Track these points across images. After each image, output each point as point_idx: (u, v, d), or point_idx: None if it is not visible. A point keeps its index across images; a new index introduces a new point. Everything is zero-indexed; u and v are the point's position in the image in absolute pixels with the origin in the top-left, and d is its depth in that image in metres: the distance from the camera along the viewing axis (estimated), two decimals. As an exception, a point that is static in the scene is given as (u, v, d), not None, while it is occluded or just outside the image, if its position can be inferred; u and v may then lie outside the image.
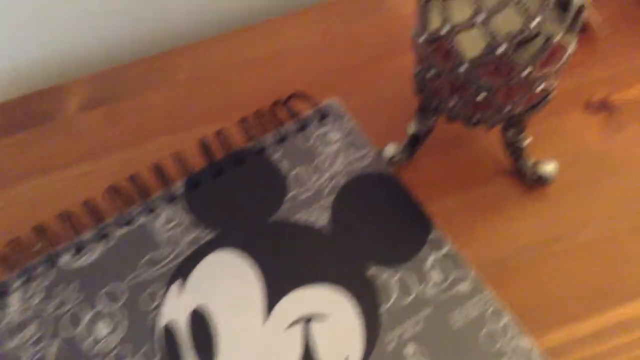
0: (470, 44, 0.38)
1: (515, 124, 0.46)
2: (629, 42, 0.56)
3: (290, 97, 0.51)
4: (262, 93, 0.54)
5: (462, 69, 0.38)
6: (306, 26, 0.60)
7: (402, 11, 0.60)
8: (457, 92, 0.41)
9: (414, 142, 0.49)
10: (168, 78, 0.57)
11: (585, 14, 0.38)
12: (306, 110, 0.52)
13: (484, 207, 0.49)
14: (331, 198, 0.48)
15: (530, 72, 0.38)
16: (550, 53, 0.37)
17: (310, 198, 0.48)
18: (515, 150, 0.48)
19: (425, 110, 0.47)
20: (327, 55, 0.58)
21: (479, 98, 0.40)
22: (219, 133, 0.50)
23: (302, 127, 0.51)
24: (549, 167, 0.48)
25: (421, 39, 0.39)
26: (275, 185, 0.48)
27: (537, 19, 0.35)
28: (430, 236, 0.46)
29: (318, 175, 0.49)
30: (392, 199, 0.48)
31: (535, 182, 0.49)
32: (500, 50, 0.36)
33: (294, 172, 0.49)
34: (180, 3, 0.60)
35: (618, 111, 0.53)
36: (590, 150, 0.51)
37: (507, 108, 0.41)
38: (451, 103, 0.42)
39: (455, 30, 0.37)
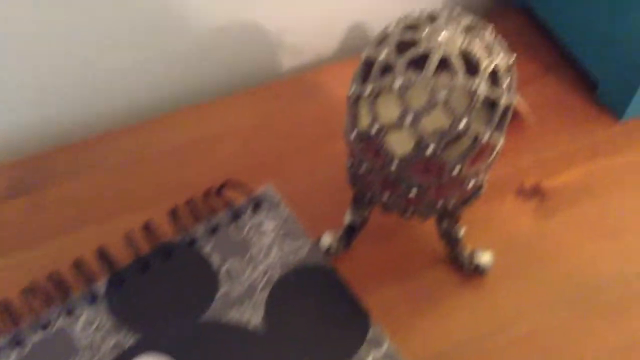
0: (400, 143, 0.38)
1: (449, 216, 0.46)
2: (556, 129, 0.58)
3: (223, 185, 0.50)
4: (196, 179, 0.53)
5: (392, 167, 0.38)
6: (244, 108, 0.59)
7: (341, 96, 0.60)
8: (389, 189, 0.40)
9: (350, 232, 0.48)
10: (96, 165, 0.55)
11: (511, 111, 0.38)
12: (240, 198, 0.50)
13: (423, 298, 0.48)
14: (265, 294, 0.46)
15: (460, 171, 0.37)
16: (479, 151, 0.37)
17: (243, 294, 0.46)
18: (451, 241, 0.48)
19: (359, 201, 0.46)
20: (264, 138, 0.57)
21: (411, 195, 0.39)
22: (146, 225, 0.48)
23: (235, 216, 0.49)
24: (485, 257, 0.48)
25: (351, 136, 0.39)
26: (205, 281, 0.46)
27: (464, 120, 0.35)
28: (369, 334, 0.44)
29: (251, 268, 0.47)
30: (329, 293, 0.46)
31: (473, 272, 0.48)
32: (429, 150, 0.36)
33: (225, 266, 0.47)
34: (111, 86, 0.59)
35: (549, 197, 0.53)
36: (524, 237, 0.51)
37: (440, 203, 0.40)
38: (384, 197, 0.41)
39: (384, 131, 0.36)
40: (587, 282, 0.49)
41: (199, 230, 0.48)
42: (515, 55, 0.37)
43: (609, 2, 0.54)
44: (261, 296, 0.45)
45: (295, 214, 0.51)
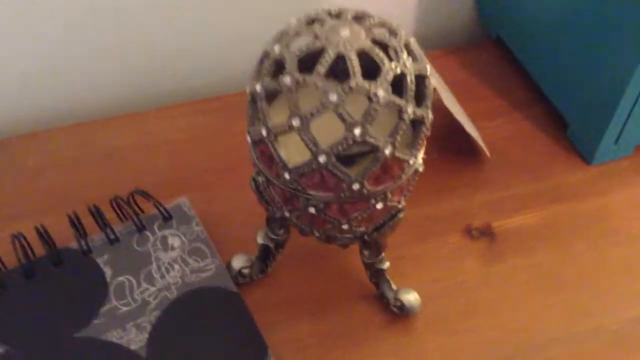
0: (293, 150, 0.33)
1: (369, 245, 0.41)
2: (518, 167, 0.53)
3: (132, 194, 0.45)
4: (111, 187, 0.48)
5: (286, 176, 0.33)
6: (171, 121, 0.55)
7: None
8: (289, 204, 0.35)
9: (266, 255, 0.44)
10: (16, 164, 0.51)
11: (427, 129, 0.34)
12: (152, 210, 0.46)
13: (341, 337, 0.43)
14: (156, 314, 0.41)
15: (360, 188, 0.33)
16: (383, 168, 0.33)
17: (131, 312, 0.41)
18: (375, 274, 0.43)
19: (271, 220, 0.41)
20: (190, 153, 0.53)
21: (311, 211, 0.34)
22: (38, 229, 0.44)
23: (140, 228, 0.45)
24: (410, 297, 0.42)
25: (248, 139, 0.35)
26: (93, 293, 0.41)
27: (358, 129, 0.30)
28: (262, 370, 0.39)
29: (147, 285, 0.42)
30: (228, 320, 0.41)
31: (398, 311, 0.43)
32: (322, 159, 0.31)
33: (119, 280, 0.42)
34: (41, 89, 0.56)
35: (499, 240, 0.48)
36: (466, 281, 0.46)
37: (345, 225, 0.35)
38: (286, 214, 0.36)
39: (272, 133, 0.32)
40: (530, 340, 0.43)
41: (98, 239, 0.44)
42: (429, 66, 0.33)
43: (580, 41, 0.50)
44: (151, 317, 0.41)
45: (213, 234, 0.46)
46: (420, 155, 0.35)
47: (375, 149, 0.31)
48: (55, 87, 0.56)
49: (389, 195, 0.34)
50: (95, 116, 0.58)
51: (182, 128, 0.55)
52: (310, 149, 0.31)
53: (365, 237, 0.38)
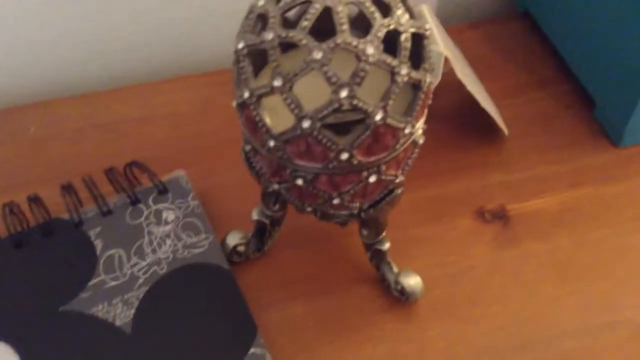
0: (278, 115, 0.31)
1: (368, 224, 0.38)
2: (540, 147, 0.49)
3: (128, 165, 0.44)
4: (111, 160, 0.47)
5: (271, 144, 0.31)
6: (174, 94, 0.53)
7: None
8: (276, 175, 0.33)
9: (261, 232, 0.41)
10: (15, 133, 0.50)
11: (427, 95, 0.31)
12: (148, 183, 0.44)
13: (338, 320, 0.40)
14: (144, 290, 0.39)
15: (350, 158, 0.30)
16: (375, 135, 0.30)
17: (120, 287, 0.39)
18: (375, 255, 0.40)
19: (265, 195, 0.39)
20: (191, 126, 0.51)
21: (299, 182, 0.32)
22: (33, 199, 0.43)
23: (134, 201, 0.43)
24: (410, 280, 0.40)
25: (234, 104, 0.32)
26: (82, 266, 0.40)
27: (345, 90, 0.28)
28: (251, 351, 0.37)
29: (138, 260, 0.40)
30: (217, 298, 0.39)
31: (399, 296, 0.40)
32: (306, 124, 0.29)
33: (109, 253, 0.41)
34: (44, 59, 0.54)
35: (514, 224, 0.45)
36: (476, 266, 0.43)
37: (336, 199, 0.33)
38: (275, 186, 0.34)
39: (255, 95, 0.30)
40: (543, 331, 0.40)
41: (90, 211, 0.43)
42: (428, 26, 0.30)
43: (610, 15, 0.46)
44: (139, 292, 0.39)
45: (211, 209, 0.44)
46: (419, 125, 0.32)
47: (364, 115, 0.29)
48: (57, 58, 0.55)
49: (383, 168, 0.32)
50: (98, 88, 0.56)
51: (185, 101, 0.53)
52: (293, 113, 0.29)
53: (362, 214, 0.36)
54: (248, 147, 0.34)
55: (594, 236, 0.44)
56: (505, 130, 0.48)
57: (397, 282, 0.40)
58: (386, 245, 0.39)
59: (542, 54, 0.56)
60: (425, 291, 0.40)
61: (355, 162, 0.31)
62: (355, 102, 0.28)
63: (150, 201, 0.43)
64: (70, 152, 0.49)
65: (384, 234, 0.39)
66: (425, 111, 0.33)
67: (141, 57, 0.57)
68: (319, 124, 0.29)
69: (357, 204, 0.34)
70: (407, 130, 0.31)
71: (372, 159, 0.31)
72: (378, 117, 0.29)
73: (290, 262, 0.43)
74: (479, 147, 0.49)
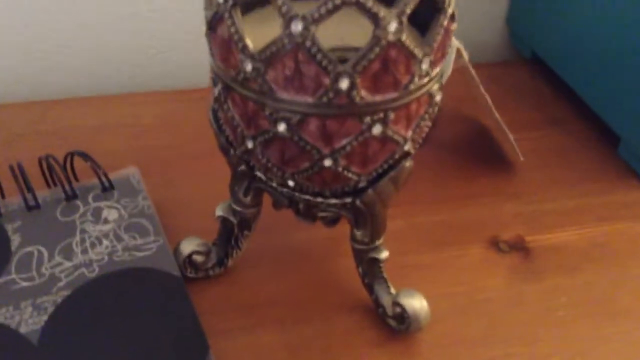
0: (259, 31, 0.24)
1: (362, 220, 0.30)
2: (559, 179, 0.42)
3: (69, 155, 0.36)
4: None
5: (248, 68, 0.24)
6: (138, 107, 0.47)
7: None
8: (252, 123, 0.25)
9: (226, 236, 0.33)
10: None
11: (450, 29, 0.24)
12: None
13: (316, 353, 0.31)
14: (63, 294, 0.30)
15: (350, 89, 0.23)
16: (384, 62, 0.23)
17: (32, 289, 0.30)
18: (368, 268, 0.32)
19: (235, 179, 0.31)
20: (154, 138, 0.44)
21: (281, 129, 0.24)
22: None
23: (70, 196, 0.35)
24: (415, 302, 0.31)
25: (205, 32, 0.26)
26: (-11, 262, 0.31)
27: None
28: (198, 376, 0.27)
29: (62, 259, 0.31)
30: (161, 309, 0.30)
31: (397, 325, 0.31)
32: (296, 27, 0.22)
33: (26, 250, 0.32)
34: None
35: (535, 256, 0.37)
36: (492, 298, 0.34)
37: (328, 160, 0.25)
38: (249, 145, 0.26)
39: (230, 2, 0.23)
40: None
41: (14, 203, 0.34)
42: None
43: (632, 51, 0.41)
44: (57, 296, 0.30)
45: (167, 222, 0.36)
46: (437, 71, 0.26)
47: (374, 21, 0.22)
48: (16, 63, 0.48)
49: (391, 117, 0.25)
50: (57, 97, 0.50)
51: (149, 114, 0.46)
52: (280, 13, 0.22)
53: (357, 200, 0.28)
54: (217, 90, 0.26)
55: (630, 273, 0.36)
56: (520, 155, 0.41)
57: (395, 305, 0.31)
58: (383, 254, 0.31)
59: (552, 96, 0.51)
60: (427, 324, 0.32)
61: (356, 98, 0.23)
62: (362, 3, 0.21)
63: (90, 198, 0.35)
64: (8, 155, 0.41)
65: (381, 239, 0.31)
66: (445, 58, 0.26)
67: (107, 71, 0.50)
68: (313, 29, 0.22)
69: (354, 175, 0.26)
70: (424, 66, 0.24)
71: (378, 98, 0.24)
72: (391, 27, 0.22)
73: (260, 282, 0.34)
74: (490, 177, 0.42)
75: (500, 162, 0.43)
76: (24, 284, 0.30)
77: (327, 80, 0.23)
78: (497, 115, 0.40)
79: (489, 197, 0.40)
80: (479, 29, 0.57)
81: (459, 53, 0.36)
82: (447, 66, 0.36)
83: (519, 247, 0.37)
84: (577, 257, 0.37)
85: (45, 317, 0.29)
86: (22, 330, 0.28)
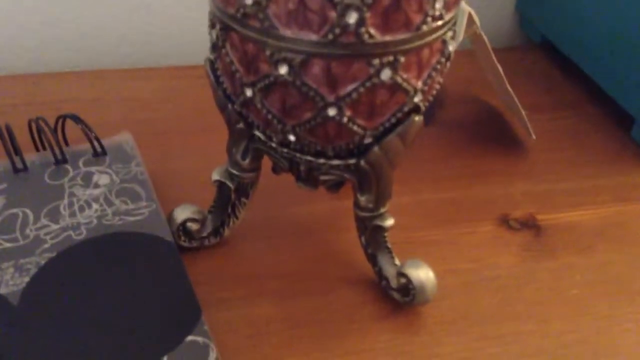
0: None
1: (367, 183, 0.28)
2: (573, 160, 0.41)
3: (61, 117, 0.34)
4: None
5: (248, 1, 0.22)
6: (137, 82, 0.45)
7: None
8: (252, 67, 0.24)
9: (223, 203, 0.31)
10: None
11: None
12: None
13: (316, 326, 0.29)
14: (49, 255, 0.28)
15: (359, 24, 0.21)
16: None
17: (15, 250, 0.28)
18: (372, 237, 0.30)
19: (233, 139, 0.29)
20: (150, 112, 0.42)
21: (282, 72, 0.23)
22: None
23: (60, 160, 0.33)
24: (421, 273, 0.29)
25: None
26: (-29, 223, 0.29)
27: None
28: (189, 339, 0.25)
29: (48, 222, 0.30)
30: (151, 272, 0.28)
31: (401, 297, 0.30)
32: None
33: (11, 211, 0.30)
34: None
35: (547, 234, 0.35)
36: (502, 275, 0.32)
37: (332, 109, 0.23)
38: (248, 93, 0.25)
39: None
40: (597, 356, 0.29)
41: (1, 164, 0.32)
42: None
43: None
44: (41, 258, 0.28)
45: (163, 194, 0.34)
46: (451, 14, 0.24)
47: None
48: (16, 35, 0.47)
49: (401, 61, 0.23)
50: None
51: (147, 89, 0.44)
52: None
53: (362, 160, 0.26)
54: (215, 34, 0.25)
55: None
56: (533, 134, 0.40)
57: (400, 275, 0.29)
58: (388, 221, 0.29)
59: (564, 79, 0.49)
60: (433, 300, 0.30)
61: (364, 36, 0.22)
62: None
63: (80, 163, 0.33)
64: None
65: (386, 206, 0.29)
66: (459, 3, 0.25)
67: (106, 44, 0.49)
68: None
69: (360, 128, 0.25)
70: (437, 4, 0.23)
71: (387, 37, 0.22)
72: (404, -44, 0.21)
73: (258, 253, 0.32)
74: (501, 155, 0.40)
75: (511, 142, 0.42)
76: (7, 245, 0.28)
77: (333, 14, 0.21)
78: (509, 88, 0.38)
79: (500, 176, 0.39)
80: (488, 14, 0.55)
81: (470, 19, 0.35)
82: (459, 30, 0.35)
83: (531, 225, 0.35)
84: (591, 236, 0.35)
85: (27, 279, 0.27)
86: (2, 290, 0.26)
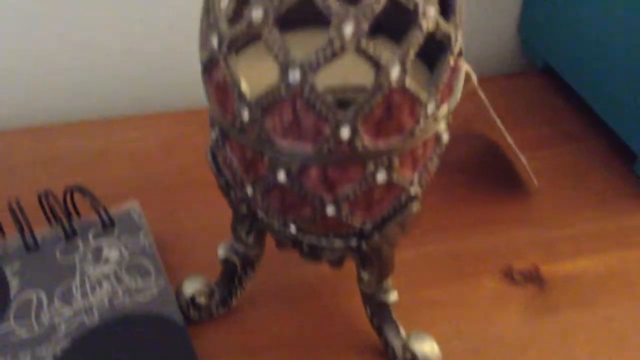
0: (256, 74, 0.23)
1: (369, 262, 0.29)
2: (574, 203, 0.41)
3: (69, 190, 0.35)
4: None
5: (245, 116, 0.22)
6: (139, 131, 0.46)
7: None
8: (251, 169, 0.24)
9: (229, 276, 0.32)
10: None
11: (455, 63, 0.23)
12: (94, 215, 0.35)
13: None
14: (63, 344, 0.29)
15: (352, 137, 0.22)
16: (388, 107, 0.22)
17: (31, 340, 0.29)
18: (377, 311, 0.30)
19: (237, 221, 0.30)
20: (154, 164, 0.43)
21: (280, 179, 0.23)
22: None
23: (70, 234, 0.34)
24: (425, 347, 0.30)
25: (201, 69, 0.24)
26: (-14, 310, 0.30)
27: (350, 25, 0.20)
28: None
29: (62, 305, 0.30)
30: (164, 357, 0.29)
31: (407, 370, 0.30)
32: (294, 77, 0.21)
33: (26, 295, 0.31)
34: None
35: (550, 287, 0.35)
36: (507, 335, 0.33)
37: (330, 207, 0.24)
38: (248, 191, 0.25)
39: (226, 42, 0.22)
40: None
41: (13, 243, 0.33)
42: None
43: None
44: (56, 347, 0.29)
45: (168, 257, 0.35)
46: (444, 111, 0.24)
47: (375, 67, 0.21)
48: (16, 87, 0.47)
49: (396, 163, 0.23)
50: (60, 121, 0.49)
51: (150, 139, 0.45)
52: (277, 61, 0.21)
53: (363, 244, 0.27)
54: (215, 134, 0.25)
55: (651, 306, 0.34)
56: (535, 180, 0.40)
57: (405, 349, 0.30)
58: (392, 297, 0.30)
59: (565, 108, 0.49)
60: (441, 364, 0.30)
61: (359, 146, 0.22)
62: (363, 45, 0.20)
63: (90, 236, 0.34)
64: (6, 185, 0.40)
65: (389, 281, 0.30)
66: (453, 93, 0.25)
67: (105, 92, 0.49)
68: (311, 77, 0.21)
69: (358, 221, 0.25)
70: (429, 108, 0.23)
71: (381, 144, 0.23)
72: (394, 73, 0.21)
73: (265, 322, 0.33)
74: (503, 201, 0.41)
75: (513, 186, 0.42)
76: (24, 335, 0.29)
77: (327, 129, 0.22)
78: (509, 139, 0.38)
79: (502, 224, 0.39)
80: (490, 40, 0.55)
81: (467, 77, 0.35)
82: (456, 91, 0.35)
83: (534, 278, 0.36)
84: (596, 288, 0.35)
85: (43, 371, 0.28)
86: (19, 384, 0.27)
